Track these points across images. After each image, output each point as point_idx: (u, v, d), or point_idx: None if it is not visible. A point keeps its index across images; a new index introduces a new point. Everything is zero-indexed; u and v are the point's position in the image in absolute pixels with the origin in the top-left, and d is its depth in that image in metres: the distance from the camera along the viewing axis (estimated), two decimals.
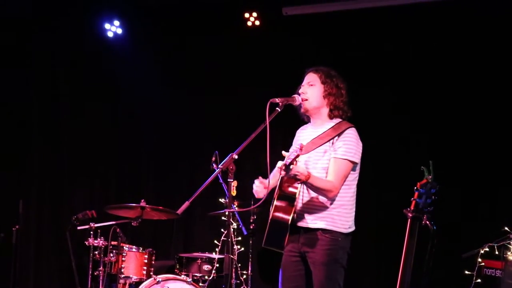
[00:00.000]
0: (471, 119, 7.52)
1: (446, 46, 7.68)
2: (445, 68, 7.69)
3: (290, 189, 4.95)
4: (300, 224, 5.02)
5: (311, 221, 5.01)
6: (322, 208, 5.00)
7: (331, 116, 5.18)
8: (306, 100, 5.14)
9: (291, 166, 4.63)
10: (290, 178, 4.83)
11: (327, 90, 5.16)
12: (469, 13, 7.51)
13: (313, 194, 4.99)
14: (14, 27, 8.31)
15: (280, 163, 4.72)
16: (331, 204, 5.00)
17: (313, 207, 5.02)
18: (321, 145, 5.01)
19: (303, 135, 5.32)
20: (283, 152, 4.71)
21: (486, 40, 7.50)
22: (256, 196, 5.18)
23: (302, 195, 5.04)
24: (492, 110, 7.46)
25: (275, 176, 5.29)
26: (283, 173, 4.70)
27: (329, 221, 4.99)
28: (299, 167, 4.73)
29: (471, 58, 7.54)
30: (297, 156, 4.58)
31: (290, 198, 4.96)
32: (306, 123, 5.41)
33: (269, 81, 8.13)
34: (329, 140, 5.01)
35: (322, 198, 4.97)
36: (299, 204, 5.02)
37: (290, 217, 4.93)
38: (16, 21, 8.32)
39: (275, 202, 4.96)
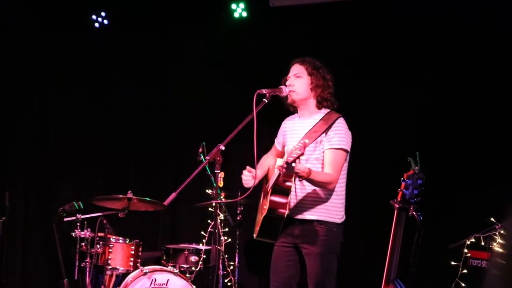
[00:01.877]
0: (458, 110, 7.53)
1: (442, 37, 7.68)
2: (436, 59, 7.69)
3: (286, 183, 4.96)
4: (295, 216, 5.05)
5: (307, 213, 5.07)
6: (316, 199, 5.07)
7: (319, 107, 5.24)
8: (293, 92, 5.17)
9: (293, 164, 4.63)
10: (290, 175, 4.85)
11: (314, 82, 5.20)
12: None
13: (308, 186, 5.04)
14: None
15: (280, 161, 4.72)
16: (325, 195, 5.05)
17: (308, 199, 5.07)
18: (316, 138, 5.03)
19: (291, 126, 5.35)
20: (286, 149, 4.72)
21: (479, 34, 7.52)
22: (245, 185, 5.20)
23: (296, 187, 5.06)
24: (480, 99, 7.46)
25: (262, 167, 5.34)
26: (283, 170, 4.69)
27: (324, 212, 5.06)
28: (300, 165, 4.74)
29: (465, 51, 7.54)
30: (301, 155, 4.55)
31: (285, 192, 4.98)
32: (292, 113, 5.44)
33: (256, 72, 8.13)
34: (322, 133, 5.03)
35: (316, 190, 5.02)
36: (293, 196, 5.04)
37: (286, 211, 4.97)
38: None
39: (270, 197, 4.96)
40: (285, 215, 4.96)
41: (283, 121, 5.51)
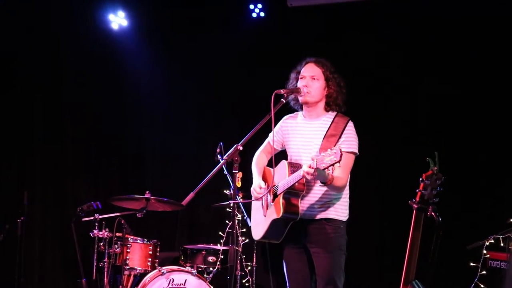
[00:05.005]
0: (476, 111, 7.51)
1: (455, 36, 7.66)
2: (451, 60, 7.67)
3: (299, 185, 4.95)
4: (303, 216, 5.03)
5: (315, 212, 5.06)
6: (323, 199, 5.06)
7: (327, 109, 5.21)
8: (309, 93, 5.14)
9: (326, 171, 4.61)
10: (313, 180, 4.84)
11: (331, 87, 5.18)
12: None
13: (316, 187, 5.01)
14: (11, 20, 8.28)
15: (305, 167, 4.69)
16: (331, 194, 5.04)
17: (315, 199, 5.06)
18: (336, 143, 4.99)
19: (294, 126, 5.30)
20: (312, 156, 4.68)
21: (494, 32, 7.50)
22: (254, 198, 5.21)
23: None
24: (498, 101, 7.45)
25: (260, 169, 5.34)
26: (310, 177, 4.68)
27: (331, 211, 5.05)
28: (326, 176, 4.73)
29: (478, 50, 7.52)
30: (337, 162, 4.47)
31: (298, 194, 4.97)
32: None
33: (273, 72, 8.10)
34: (339, 136, 5.01)
35: (323, 190, 5.01)
36: (302, 197, 5.03)
37: (299, 212, 4.96)
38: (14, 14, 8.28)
39: (282, 200, 4.95)
40: (298, 217, 4.96)
41: (282, 119, 5.42)
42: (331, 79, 5.19)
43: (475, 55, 7.52)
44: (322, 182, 4.84)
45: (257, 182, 5.25)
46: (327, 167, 4.53)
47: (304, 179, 4.87)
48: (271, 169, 5.27)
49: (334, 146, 4.75)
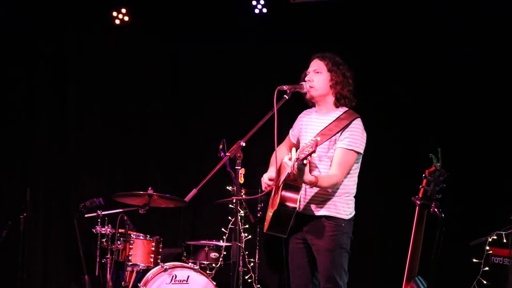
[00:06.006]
0: (480, 106, 7.49)
1: (454, 35, 7.64)
2: (451, 59, 7.66)
3: (293, 177, 4.95)
4: (304, 211, 5.05)
5: (315, 209, 5.07)
6: (325, 196, 5.06)
7: (337, 105, 5.21)
8: (312, 87, 5.15)
9: (305, 161, 4.61)
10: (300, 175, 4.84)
11: (334, 78, 5.17)
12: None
13: None
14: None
15: (286, 158, 4.71)
16: (334, 192, 5.04)
17: (317, 195, 5.06)
18: (331, 137, 5.01)
19: (307, 121, 5.33)
20: (293, 149, 4.71)
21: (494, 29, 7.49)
22: (264, 190, 5.23)
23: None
24: (498, 100, 7.43)
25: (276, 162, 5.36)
26: (295, 171, 4.68)
27: (332, 209, 5.05)
28: (307, 177, 4.72)
29: (478, 49, 7.50)
30: (312, 152, 4.49)
31: (296, 188, 4.97)
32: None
33: (276, 69, 8.10)
34: (338, 132, 5.01)
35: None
36: (303, 192, 5.04)
37: (296, 206, 4.97)
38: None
39: (281, 192, 4.97)
40: (295, 211, 4.97)
41: (300, 114, 5.49)
42: (334, 70, 5.19)
43: (475, 54, 7.50)
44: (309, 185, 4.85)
45: (267, 173, 5.31)
46: (305, 157, 4.53)
47: (292, 174, 4.87)
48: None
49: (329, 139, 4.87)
